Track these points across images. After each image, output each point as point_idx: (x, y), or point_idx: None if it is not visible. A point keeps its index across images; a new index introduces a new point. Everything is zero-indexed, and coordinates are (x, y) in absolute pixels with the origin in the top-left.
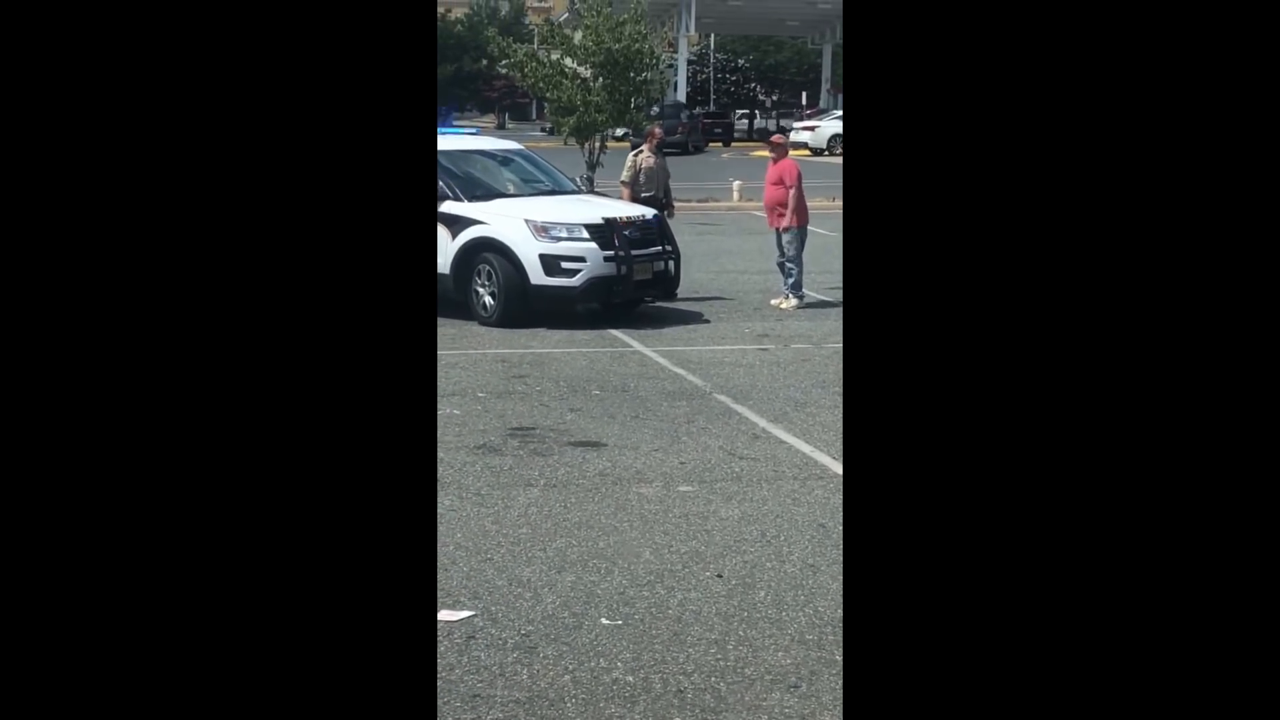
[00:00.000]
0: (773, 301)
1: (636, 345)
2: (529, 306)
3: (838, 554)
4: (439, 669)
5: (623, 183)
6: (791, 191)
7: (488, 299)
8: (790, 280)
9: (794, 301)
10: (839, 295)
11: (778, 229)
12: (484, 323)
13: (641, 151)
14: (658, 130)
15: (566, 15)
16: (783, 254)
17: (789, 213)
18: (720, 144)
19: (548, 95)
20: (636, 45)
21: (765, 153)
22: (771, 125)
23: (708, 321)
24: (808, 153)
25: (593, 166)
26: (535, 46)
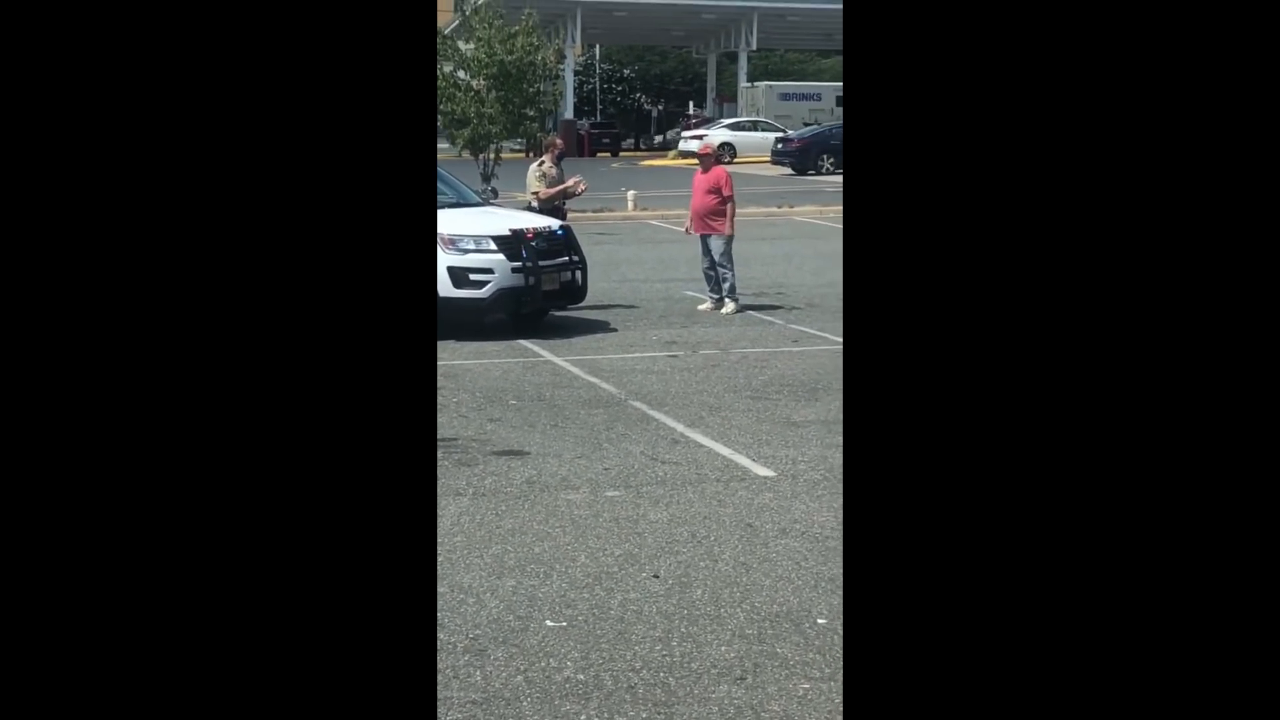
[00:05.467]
0: (700, 307)
1: (547, 355)
2: (437, 319)
3: (767, 552)
4: None
5: (535, 193)
6: (730, 200)
7: None
8: (726, 285)
9: (732, 306)
10: (746, 301)
11: (704, 236)
12: None
13: (544, 162)
14: (558, 141)
15: (456, 24)
16: (711, 262)
17: (727, 220)
18: (609, 154)
19: (441, 108)
20: (529, 57)
21: (655, 163)
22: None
23: (615, 330)
24: (696, 161)
25: (487, 178)
26: None
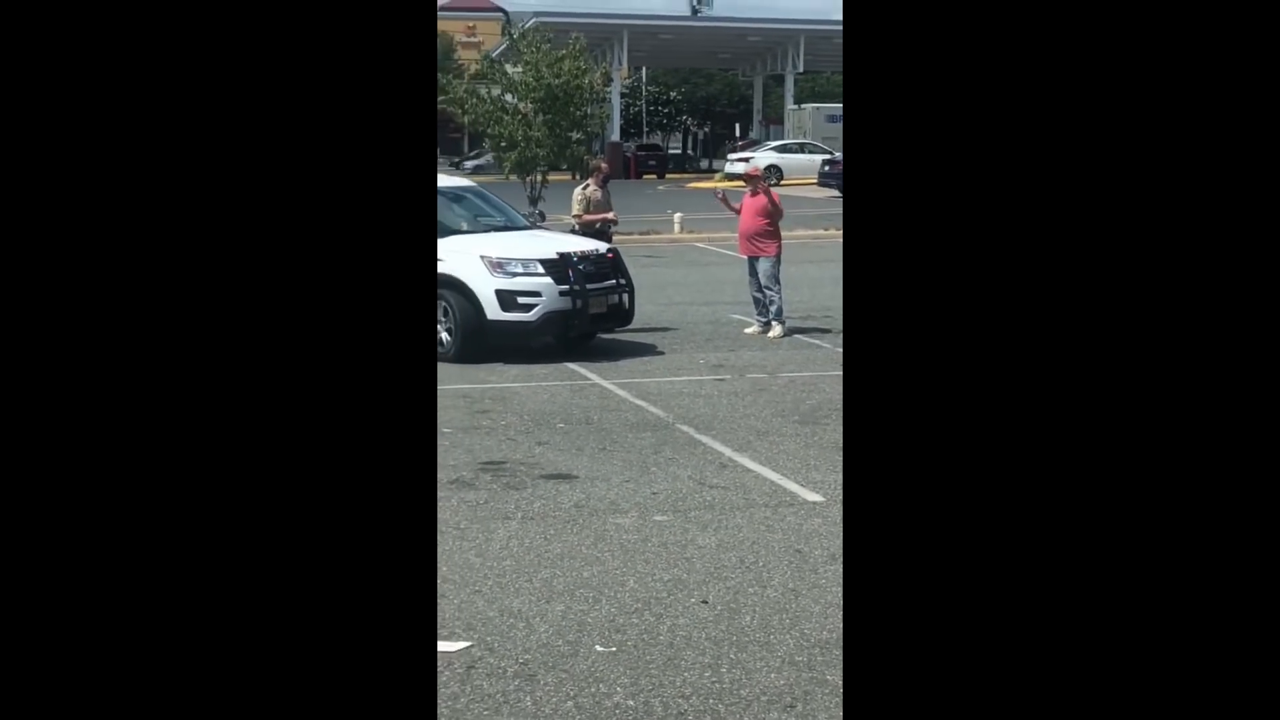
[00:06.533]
0: (747, 330)
1: (595, 378)
2: (485, 342)
3: (816, 578)
4: (443, 699)
5: (576, 216)
6: (777, 221)
7: (444, 335)
8: (773, 308)
9: (779, 329)
10: (793, 324)
11: (751, 258)
12: (441, 359)
13: (589, 185)
14: (604, 164)
15: (504, 48)
16: (759, 285)
17: (768, 241)
18: (655, 175)
19: (488, 131)
20: (576, 80)
21: (701, 185)
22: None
23: (662, 353)
24: (743, 184)
25: (534, 201)
26: (467, 81)
